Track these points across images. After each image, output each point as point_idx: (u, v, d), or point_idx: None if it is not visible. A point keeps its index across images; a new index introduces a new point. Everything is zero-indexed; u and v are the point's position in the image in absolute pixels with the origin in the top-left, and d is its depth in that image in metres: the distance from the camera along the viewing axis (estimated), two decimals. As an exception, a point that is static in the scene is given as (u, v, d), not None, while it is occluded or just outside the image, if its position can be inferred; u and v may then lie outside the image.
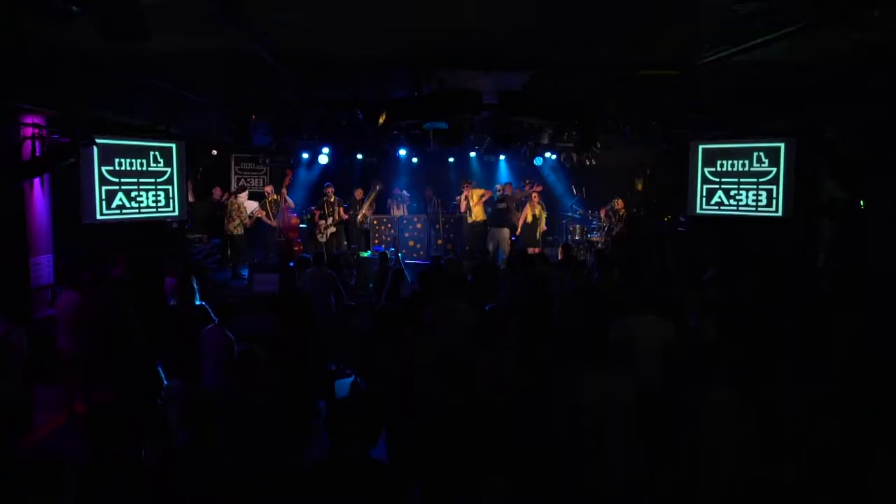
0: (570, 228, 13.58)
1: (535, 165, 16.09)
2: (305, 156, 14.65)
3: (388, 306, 5.57)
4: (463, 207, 13.18)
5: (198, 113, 8.79)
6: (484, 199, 13.23)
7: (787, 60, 6.24)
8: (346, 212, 12.62)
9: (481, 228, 13.07)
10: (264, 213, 12.68)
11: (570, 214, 14.06)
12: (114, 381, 6.65)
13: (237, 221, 12.00)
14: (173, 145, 10.34)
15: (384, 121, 5.95)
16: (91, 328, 7.19)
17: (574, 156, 16.28)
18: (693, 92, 7.79)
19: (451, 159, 16.33)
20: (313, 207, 14.23)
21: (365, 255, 11.57)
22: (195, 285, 6.96)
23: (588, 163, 16.01)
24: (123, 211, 9.70)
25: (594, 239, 13.28)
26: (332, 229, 12.40)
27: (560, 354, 4.83)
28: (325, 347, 6.62)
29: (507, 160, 16.45)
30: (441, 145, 10.58)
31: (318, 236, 12.44)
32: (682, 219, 12.82)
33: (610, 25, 5.04)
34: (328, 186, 12.60)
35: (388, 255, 9.63)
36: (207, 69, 6.76)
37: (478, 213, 12.95)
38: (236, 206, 12.11)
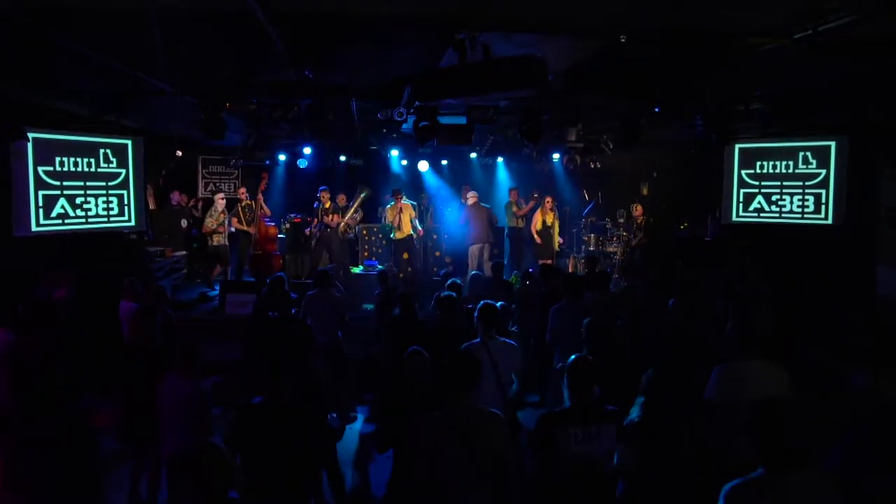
0: (585, 238, 12.18)
1: (534, 169, 14.73)
2: (283, 157, 13.06)
3: (421, 358, 4.05)
4: (393, 220, 11.31)
5: (157, 101, 7.14)
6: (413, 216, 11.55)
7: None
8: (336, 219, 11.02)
9: (410, 244, 11.43)
10: (236, 219, 10.98)
11: (604, 225, 12.59)
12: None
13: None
14: (128, 142, 8.66)
15: (411, 101, 4.45)
16: (23, 380, 5.54)
17: (578, 158, 15.02)
18: (763, 77, 6.45)
19: (444, 161, 14.81)
20: (292, 215, 12.63)
21: (356, 270, 10.00)
22: (157, 317, 5.36)
23: (592, 165, 14.79)
24: (66, 221, 8.00)
25: (610, 249, 11.91)
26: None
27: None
28: (324, 394, 5.05)
29: (505, 163, 15.01)
30: (447, 144, 9.12)
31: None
32: (710, 226, 11.55)
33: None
34: (324, 191, 10.99)
35: (388, 275, 8.10)
36: (170, 39, 5.17)
37: (407, 228, 11.24)
38: (212, 219, 10.49)
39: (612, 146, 12.85)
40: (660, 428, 3.71)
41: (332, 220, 10.87)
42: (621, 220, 12.94)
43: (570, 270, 12.03)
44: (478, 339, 4.94)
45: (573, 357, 3.57)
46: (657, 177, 15.57)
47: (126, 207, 8.71)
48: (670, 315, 5.31)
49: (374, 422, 5.28)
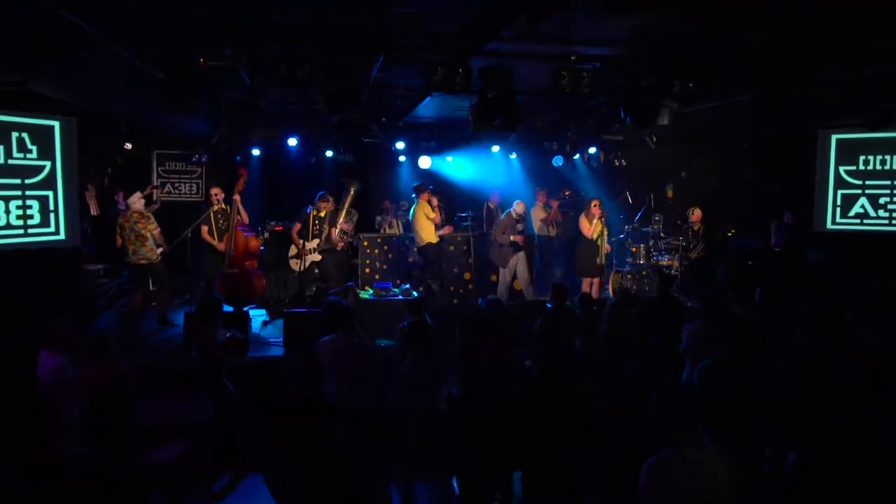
0: (633, 249, 10.15)
1: (553, 166, 12.67)
2: (256, 152, 10.75)
3: None
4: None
5: (93, 60, 4.81)
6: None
7: None
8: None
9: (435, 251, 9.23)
10: (206, 227, 8.49)
11: (655, 233, 10.47)
12: None
13: (150, 241, 7.45)
14: (55, 123, 6.28)
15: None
16: None
17: (602, 154, 13.14)
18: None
19: (449, 158, 12.61)
20: (273, 222, 10.30)
21: (364, 295, 7.73)
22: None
23: (617, 163, 12.98)
24: (-40, 235, 5.60)
25: (664, 262, 9.93)
26: (317, 256, 8.45)
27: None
28: None
29: (519, 159, 12.92)
30: (488, 130, 7.02)
31: (293, 263, 8.59)
32: (775, 234, 9.65)
33: None
34: (321, 197, 8.60)
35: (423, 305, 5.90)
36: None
37: (430, 234, 9.01)
38: (142, 221, 7.48)
39: (654, 139, 10.98)
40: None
41: (333, 234, 8.56)
42: (657, 226, 11.06)
43: (611, 288, 10.03)
44: (670, 449, 2.86)
45: None
46: (685, 176, 13.78)
47: (52, 214, 6.31)
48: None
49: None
